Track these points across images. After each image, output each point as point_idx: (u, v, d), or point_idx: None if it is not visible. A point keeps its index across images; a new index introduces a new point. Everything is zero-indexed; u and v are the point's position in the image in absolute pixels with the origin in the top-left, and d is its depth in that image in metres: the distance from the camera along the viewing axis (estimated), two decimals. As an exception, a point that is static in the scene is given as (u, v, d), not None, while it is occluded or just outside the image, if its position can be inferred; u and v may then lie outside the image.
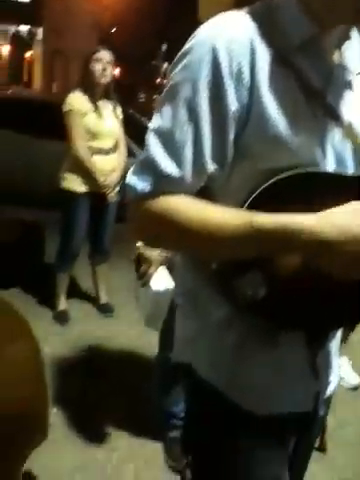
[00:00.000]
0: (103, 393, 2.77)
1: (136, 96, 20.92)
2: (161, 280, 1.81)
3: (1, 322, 0.77)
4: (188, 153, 0.91)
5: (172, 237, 0.95)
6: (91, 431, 2.47)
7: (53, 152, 4.91)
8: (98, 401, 2.70)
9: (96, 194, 3.45)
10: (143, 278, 1.83)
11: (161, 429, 2.41)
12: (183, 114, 0.91)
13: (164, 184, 0.92)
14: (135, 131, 4.64)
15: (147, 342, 3.18)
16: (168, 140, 0.92)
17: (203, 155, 0.91)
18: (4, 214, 4.64)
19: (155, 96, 16.22)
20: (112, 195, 3.51)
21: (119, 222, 3.68)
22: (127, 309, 3.67)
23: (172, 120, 0.92)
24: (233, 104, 0.89)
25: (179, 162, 0.91)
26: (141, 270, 1.83)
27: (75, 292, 3.90)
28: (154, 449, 2.39)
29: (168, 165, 0.91)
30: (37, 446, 0.90)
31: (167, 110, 0.93)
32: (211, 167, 0.92)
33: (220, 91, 0.89)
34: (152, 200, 0.92)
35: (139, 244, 1.83)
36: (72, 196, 3.43)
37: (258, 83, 0.89)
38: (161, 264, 1.81)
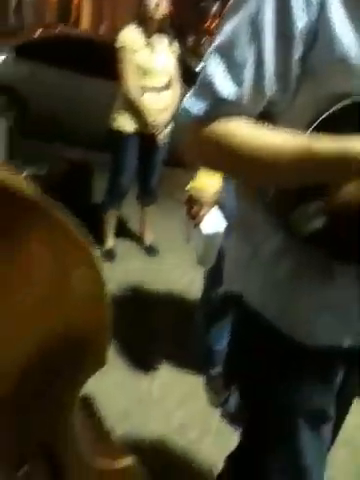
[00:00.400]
0: (147, 329, 2.88)
1: (185, 38, 20.33)
2: (212, 222, 1.84)
3: (68, 246, 0.79)
4: (249, 73, 0.86)
5: (227, 162, 0.93)
6: (136, 362, 2.59)
7: (104, 92, 4.92)
8: (143, 335, 2.81)
9: (145, 134, 3.44)
10: (195, 220, 1.86)
11: (203, 365, 2.51)
12: (246, 31, 0.86)
13: (221, 106, 0.87)
14: (185, 73, 4.58)
15: (190, 283, 3.27)
16: (228, 59, 0.87)
17: (265, 76, 0.86)
18: (52, 153, 4.70)
19: (204, 39, 15.75)
20: (161, 136, 3.49)
21: (169, 165, 3.73)
22: (172, 250, 3.77)
23: (234, 38, 0.87)
24: (300, 21, 0.83)
25: (239, 82, 0.86)
26: (192, 212, 1.85)
27: (122, 232, 3.98)
28: (195, 382, 2.51)
29: (227, 86, 0.86)
30: (96, 371, 0.92)
31: (229, 27, 0.88)
32: (273, 89, 0.88)
33: (287, 7, 0.84)
34: (208, 124, 0.89)
35: (190, 186, 1.86)
36: (121, 136, 3.44)
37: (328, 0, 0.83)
38: (213, 206, 1.84)
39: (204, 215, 1.84)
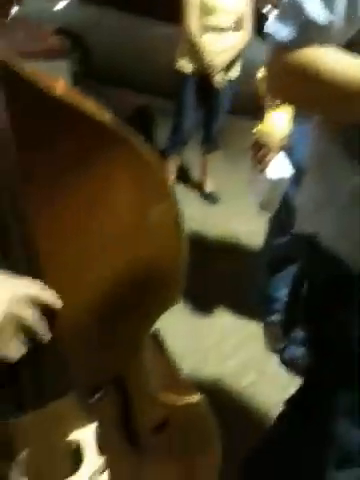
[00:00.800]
0: (206, 274, 2.90)
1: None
2: (278, 167, 1.79)
3: (150, 181, 0.79)
4: None
5: (314, 93, 0.88)
6: (197, 305, 2.63)
7: (168, 35, 4.82)
8: (202, 280, 2.83)
9: (204, 76, 3.34)
10: (260, 164, 1.81)
11: (262, 312, 2.52)
12: None
13: (310, 31, 0.83)
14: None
15: (249, 231, 3.25)
16: None
17: (358, 3, 0.81)
18: (115, 98, 4.67)
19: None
20: (218, 78, 3.35)
21: (233, 113, 3.66)
22: (231, 199, 3.74)
23: None
24: None
25: (330, 6, 0.81)
26: (259, 156, 1.80)
27: (183, 178, 3.98)
28: (253, 328, 2.53)
29: (318, 10, 0.81)
30: (169, 308, 0.93)
31: None
32: None
33: None
34: (294, 50, 0.84)
35: (258, 129, 1.81)
36: (181, 76, 3.40)
37: None
38: (280, 150, 1.79)
39: (270, 160, 1.79)
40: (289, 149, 1.83)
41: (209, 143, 3.75)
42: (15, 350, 0.72)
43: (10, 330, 0.70)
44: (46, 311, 0.74)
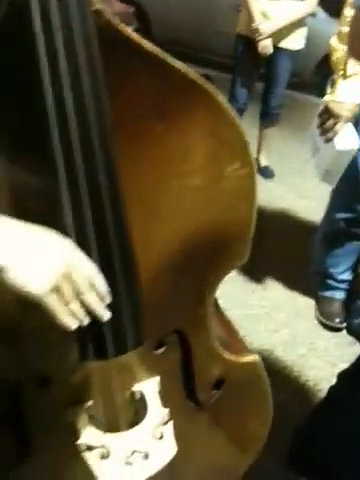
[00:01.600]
0: (260, 248, 2.88)
1: None
2: (346, 138, 1.73)
3: (228, 138, 0.79)
4: None
5: None
6: (250, 276, 2.63)
7: (231, 7, 4.75)
8: (255, 253, 2.81)
9: (251, 40, 3.25)
10: (327, 133, 1.75)
11: (316, 288, 2.49)
12: None
13: None
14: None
15: (305, 207, 3.21)
16: None
17: None
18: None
19: None
20: (264, 45, 3.21)
21: (292, 89, 3.59)
22: (287, 174, 3.70)
23: None
24: None
25: None
26: (327, 125, 1.74)
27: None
28: (306, 304, 2.52)
29: None
30: (236, 266, 0.95)
31: None
32: None
33: None
34: None
35: (329, 97, 1.75)
36: (236, 39, 3.40)
37: None
38: (350, 120, 1.72)
39: (338, 130, 1.72)
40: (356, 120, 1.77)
41: (266, 117, 3.69)
42: (71, 319, 0.69)
43: (67, 295, 0.67)
44: None
